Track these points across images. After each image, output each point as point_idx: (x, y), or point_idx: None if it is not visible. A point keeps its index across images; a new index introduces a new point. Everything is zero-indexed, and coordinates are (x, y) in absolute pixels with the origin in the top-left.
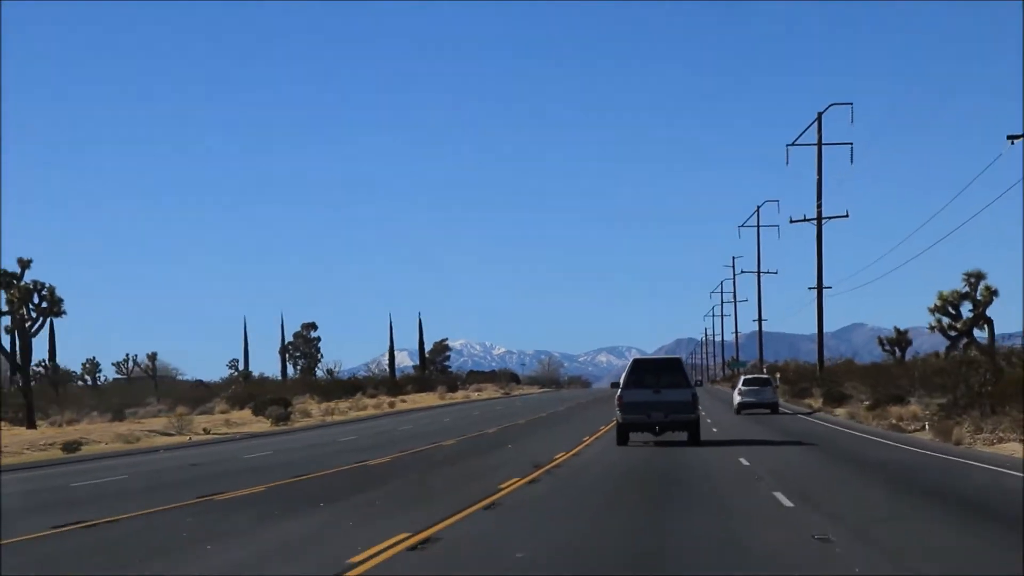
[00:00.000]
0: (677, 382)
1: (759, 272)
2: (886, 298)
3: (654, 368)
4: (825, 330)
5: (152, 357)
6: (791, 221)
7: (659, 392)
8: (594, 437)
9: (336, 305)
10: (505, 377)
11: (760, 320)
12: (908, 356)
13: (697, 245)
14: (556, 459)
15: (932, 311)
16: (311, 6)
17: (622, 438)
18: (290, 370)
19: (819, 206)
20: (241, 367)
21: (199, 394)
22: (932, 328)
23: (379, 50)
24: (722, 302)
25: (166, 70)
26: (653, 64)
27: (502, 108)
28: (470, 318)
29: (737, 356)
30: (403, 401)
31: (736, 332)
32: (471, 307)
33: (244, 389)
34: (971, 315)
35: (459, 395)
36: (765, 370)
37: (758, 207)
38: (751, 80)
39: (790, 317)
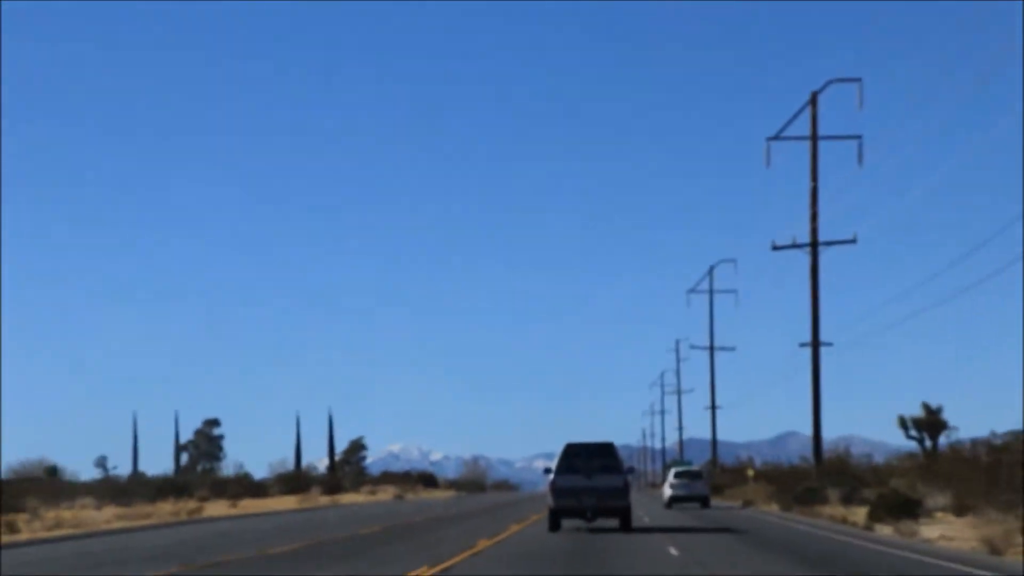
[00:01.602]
0: (609, 467)
1: (712, 348)
2: (828, 401)
3: (586, 453)
4: (756, 439)
5: None
6: (774, 248)
7: (591, 477)
8: None
9: (245, 404)
10: (414, 479)
11: (713, 408)
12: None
13: (642, 329)
14: None
15: None
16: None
17: (554, 524)
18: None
19: (814, 223)
20: (129, 465)
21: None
22: None
23: (303, 143)
24: (662, 395)
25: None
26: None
27: (440, 209)
28: (410, 423)
29: (681, 455)
30: (234, 506)
31: (680, 427)
32: (412, 412)
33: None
34: None
35: (327, 500)
36: (719, 470)
37: (711, 268)
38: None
39: (731, 423)
